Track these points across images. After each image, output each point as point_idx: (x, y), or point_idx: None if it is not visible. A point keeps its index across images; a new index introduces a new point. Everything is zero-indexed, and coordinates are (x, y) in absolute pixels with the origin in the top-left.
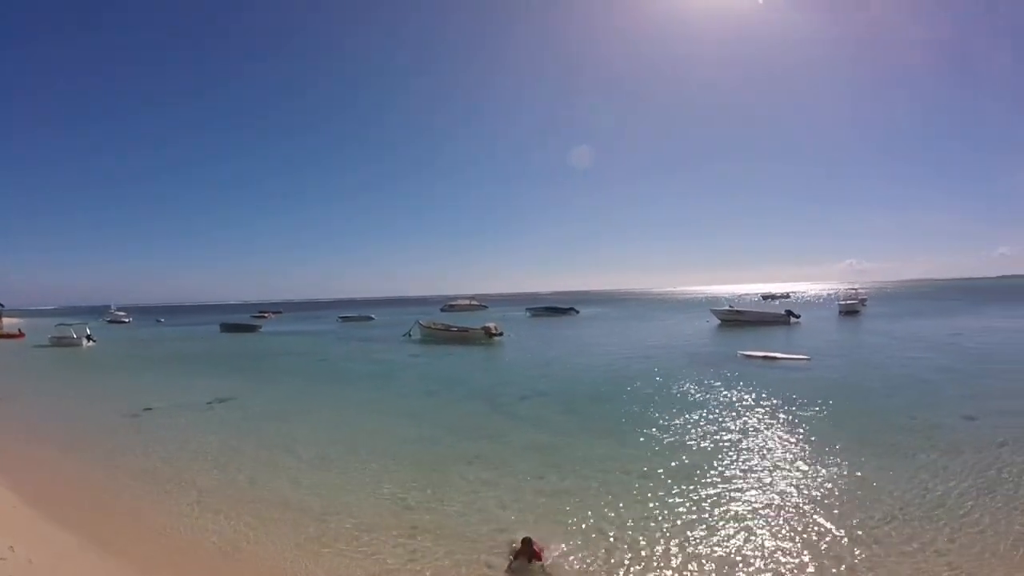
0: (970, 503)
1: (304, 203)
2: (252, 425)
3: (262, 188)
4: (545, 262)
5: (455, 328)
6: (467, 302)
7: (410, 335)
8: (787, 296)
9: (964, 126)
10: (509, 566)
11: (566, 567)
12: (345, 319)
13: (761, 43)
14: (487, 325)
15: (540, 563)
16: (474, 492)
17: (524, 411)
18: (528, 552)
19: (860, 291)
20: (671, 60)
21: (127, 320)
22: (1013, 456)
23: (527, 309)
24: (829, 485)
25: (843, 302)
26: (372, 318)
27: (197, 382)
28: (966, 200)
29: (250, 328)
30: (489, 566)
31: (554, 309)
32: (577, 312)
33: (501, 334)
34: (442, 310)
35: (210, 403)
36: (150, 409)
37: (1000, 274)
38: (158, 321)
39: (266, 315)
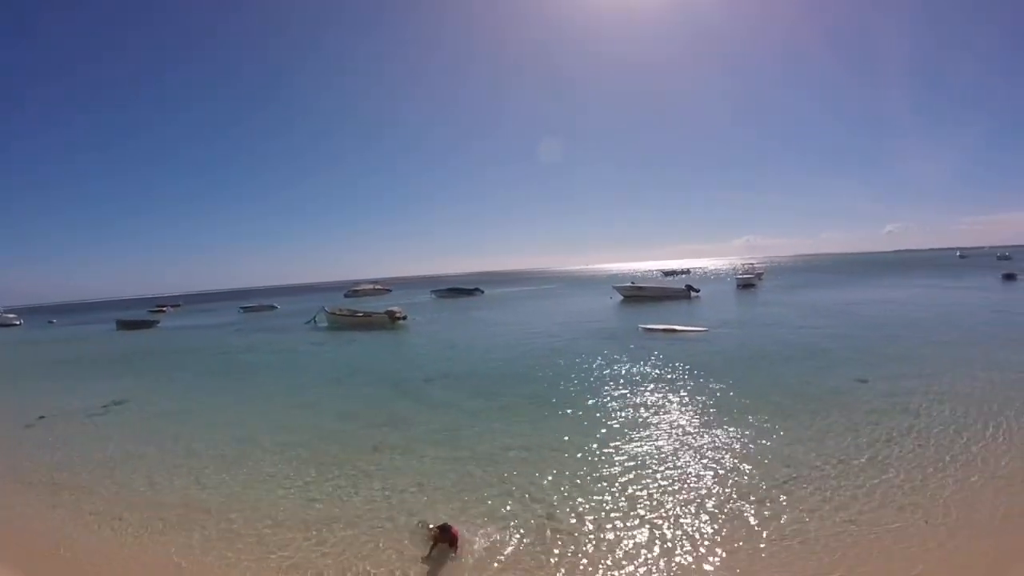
0: (865, 461)
1: (197, 192)
2: (151, 426)
3: (150, 177)
4: (450, 244)
5: (360, 313)
6: (371, 286)
7: (315, 322)
8: (687, 272)
9: (853, 114)
10: (429, 554)
11: (483, 550)
12: (247, 309)
13: (668, 31)
14: (391, 309)
15: (457, 548)
16: (382, 480)
17: (430, 394)
18: (448, 538)
19: (756, 266)
20: (574, 49)
21: (18, 322)
22: (903, 415)
23: (432, 291)
24: (732, 451)
25: (740, 276)
26: (275, 307)
27: (93, 385)
28: (857, 183)
29: (148, 324)
30: (401, 554)
31: (459, 290)
32: (482, 292)
33: (405, 317)
34: (346, 295)
35: (106, 406)
36: (44, 417)
37: (894, 248)
38: (50, 322)
39: (164, 309)
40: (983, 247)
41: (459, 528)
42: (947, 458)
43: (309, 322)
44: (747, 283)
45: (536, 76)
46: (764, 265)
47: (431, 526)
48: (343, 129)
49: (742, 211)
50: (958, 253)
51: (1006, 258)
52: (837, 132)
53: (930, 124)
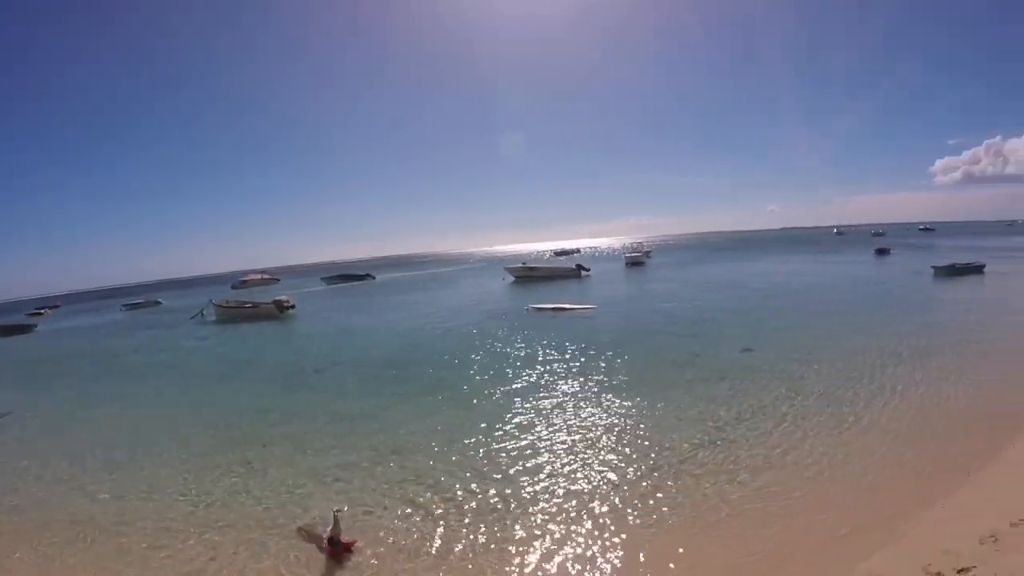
0: (750, 427)
1: (70, 184)
2: (33, 440)
3: (13, 170)
4: (343, 229)
5: (248, 304)
6: (259, 277)
7: (203, 316)
8: (578, 251)
9: (735, 99)
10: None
11: (380, 549)
12: (131, 307)
13: (561, 19)
14: (278, 299)
15: (351, 554)
16: (273, 477)
17: (320, 384)
18: (343, 548)
19: (644, 244)
20: (471, 37)
21: None
22: (788, 381)
23: (322, 279)
24: (625, 426)
25: (629, 255)
26: (160, 303)
27: None
28: (740, 165)
29: (25, 328)
30: (294, 555)
31: (350, 276)
32: (373, 278)
33: (293, 307)
34: (233, 287)
35: None
36: None
37: (775, 227)
38: None
39: (43, 312)
40: (859, 225)
41: (351, 539)
42: (832, 418)
43: (196, 316)
44: (635, 261)
45: (432, 61)
46: (653, 243)
47: (324, 544)
48: (218, 114)
49: (632, 193)
50: (836, 230)
51: (880, 235)
52: (721, 116)
53: (809, 110)
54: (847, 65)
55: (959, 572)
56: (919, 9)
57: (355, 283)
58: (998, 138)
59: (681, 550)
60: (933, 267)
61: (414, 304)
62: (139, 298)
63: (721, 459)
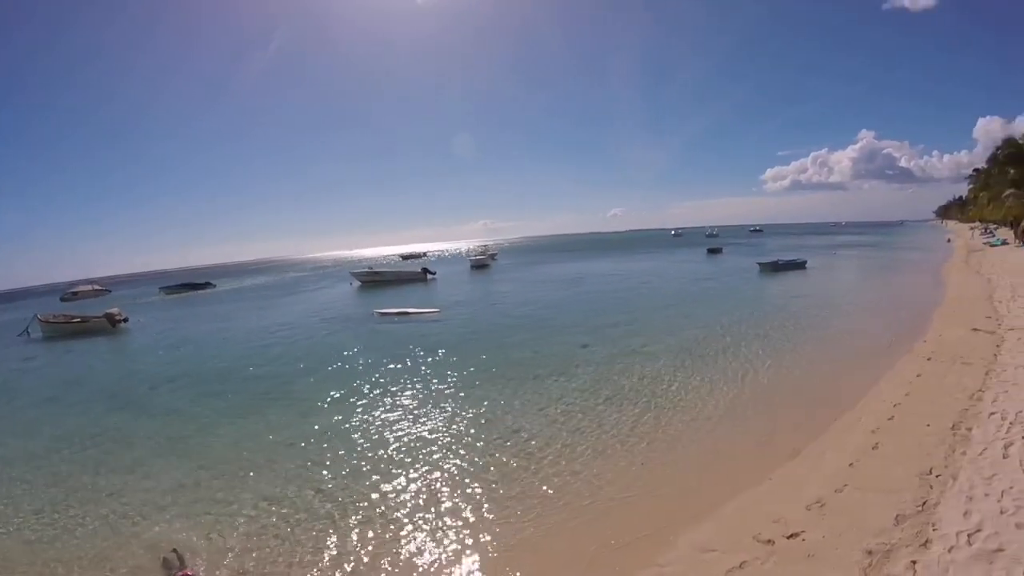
0: (581, 415)
1: None
2: None
3: None
4: (180, 234)
5: (76, 319)
6: (90, 288)
7: (28, 333)
8: (424, 255)
9: (578, 108)
10: None
11: None
12: None
13: (408, 29)
14: (110, 311)
15: None
16: (108, 506)
17: (156, 402)
18: None
19: (490, 247)
20: (311, 34)
21: None
22: (620, 375)
23: (161, 288)
24: (464, 421)
25: (474, 258)
26: None
27: None
28: (584, 171)
29: None
30: None
31: (189, 285)
32: (214, 286)
33: (126, 319)
34: (62, 299)
35: None
36: None
37: (620, 229)
38: None
39: None
40: (696, 227)
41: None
42: (656, 407)
43: (21, 334)
44: (480, 264)
45: (282, 59)
46: (501, 246)
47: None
48: (55, 108)
49: (479, 197)
50: (674, 232)
51: (713, 235)
52: (566, 123)
53: (649, 122)
54: (687, 83)
55: (789, 537)
56: (753, 33)
57: (195, 292)
58: (824, 150)
59: (532, 542)
60: (758, 263)
61: (257, 312)
62: None
63: (572, 453)
